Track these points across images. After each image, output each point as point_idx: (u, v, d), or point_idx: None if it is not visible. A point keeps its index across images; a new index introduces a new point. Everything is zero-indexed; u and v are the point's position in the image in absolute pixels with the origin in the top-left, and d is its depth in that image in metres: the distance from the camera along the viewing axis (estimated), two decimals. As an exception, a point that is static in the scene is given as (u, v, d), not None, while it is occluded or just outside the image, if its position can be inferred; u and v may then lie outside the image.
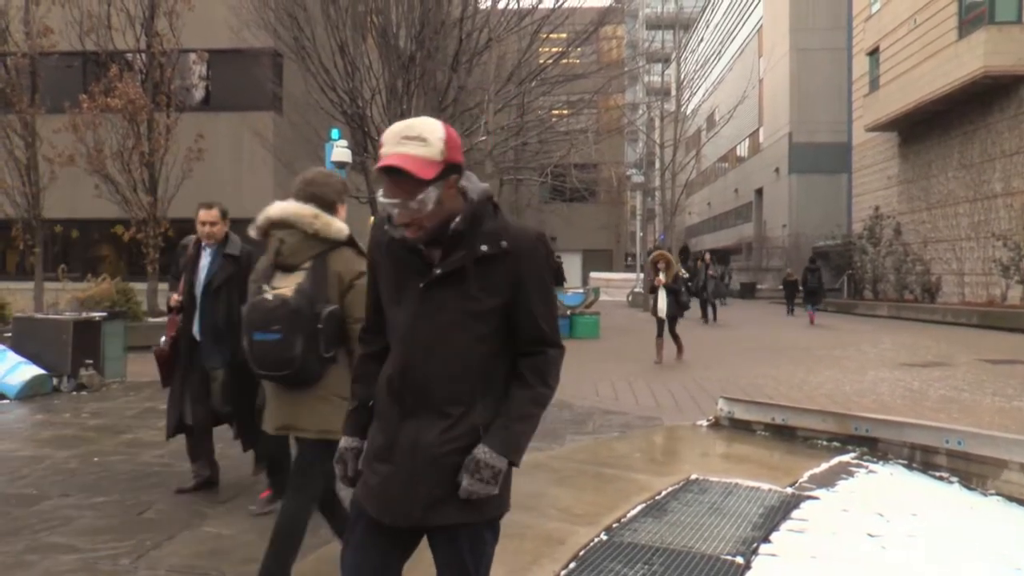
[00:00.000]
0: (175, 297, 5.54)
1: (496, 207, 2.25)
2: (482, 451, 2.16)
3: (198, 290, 5.45)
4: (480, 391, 2.21)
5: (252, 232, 3.83)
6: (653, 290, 13.93)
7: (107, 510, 5.10)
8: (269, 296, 3.59)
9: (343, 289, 3.60)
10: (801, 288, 26.27)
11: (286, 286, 3.58)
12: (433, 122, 2.15)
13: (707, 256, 25.88)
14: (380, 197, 2.16)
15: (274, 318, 3.52)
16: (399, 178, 2.09)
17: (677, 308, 13.72)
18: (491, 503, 2.22)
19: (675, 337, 13.80)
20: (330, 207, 3.72)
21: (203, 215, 5.48)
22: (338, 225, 3.68)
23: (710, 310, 24.41)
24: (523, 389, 2.23)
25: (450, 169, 2.13)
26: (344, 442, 2.36)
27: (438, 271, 2.17)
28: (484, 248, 2.16)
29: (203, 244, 5.55)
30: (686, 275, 23.77)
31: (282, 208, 3.67)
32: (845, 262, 34.53)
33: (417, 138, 2.09)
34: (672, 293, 13.47)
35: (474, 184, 2.23)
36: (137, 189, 17.28)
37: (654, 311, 13.77)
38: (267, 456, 5.13)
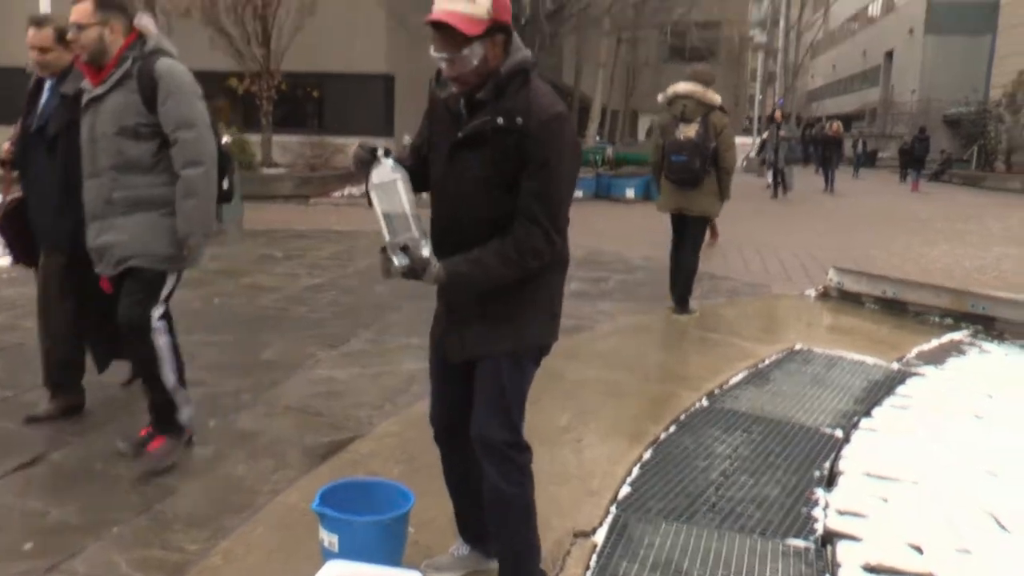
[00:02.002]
0: (6, 146, 4.06)
1: (527, 80, 2.32)
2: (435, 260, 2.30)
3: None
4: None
5: (660, 99, 6.66)
6: None
7: (228, 349, 5.41)
8: (681, 136, 6.37)
9: (717, 133, 6.38)
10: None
11: (688, 131, 6.35)
12: None
13: (778, 114, 20.97)
14: (431, 51, 2.26)
15: (684, 147, 6.34)
16: (446, 33, 2.20)
17: None
18: (526, 335, 2.45)
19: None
20: (708, 85, 6.47)
21: (31, 36, 3.84)
22: (714, 97, 6.42)
23: (786, 179, 20.06)
24: (498, 241, 2.31)
25: (496, 28, 2.24)
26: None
27: (460, 135, 2.34)
28: (500, 121, 2.27)
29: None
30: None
31: (685, 87, 6.46)
32: (977, 131, 32.38)
33: None
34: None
35: (514, 52, 2.31)
36: (251, 42, 17.41)
37: None
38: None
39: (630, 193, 17.37)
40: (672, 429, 4.28)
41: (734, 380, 5.14)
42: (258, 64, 17.50)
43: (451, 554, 2.85)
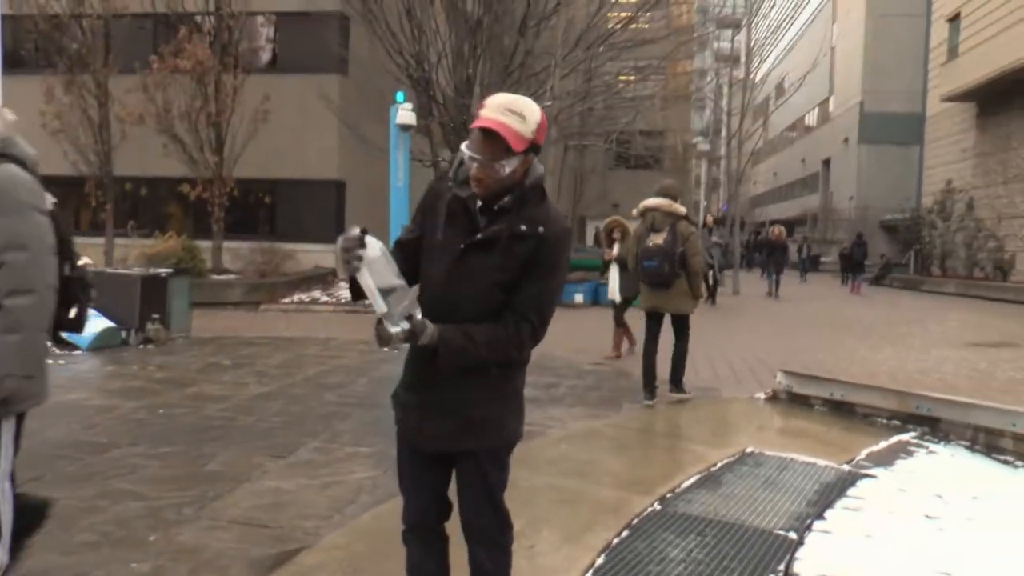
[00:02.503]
0: None
1: (544, 194, 2.52)
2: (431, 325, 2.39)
3: None
4: None
5: (635, 212, 7.48)
6: (606, 266, 10.46)
7: (172, 460, 5.27)
8: (651, 244, 7.17)
9: (683, 240, 7.11)
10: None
11: (658, 239, 7.13)
12: (534, 105, 2.41)
13: (709, 219, 19.86)
14: (465, 148, 2.40)
15: (655, 254, 7.12)
16: (494, 141, 2.34)
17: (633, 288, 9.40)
18: (503, 432, 2.58)
19: (624, 326, 10.39)
20: (675, 199, 7.33)
21: None
22: (679, 208, 7.26)
23: (715, 286, 18.84)
24: (489, 325, 2.45)
25: (532, 148, 2.41)
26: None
27: (479, 236, 2.45)
28: (523, 228, 2.43)
29: None
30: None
31: (654, 201, 7.30)
32: (913, 237, 33.59)
33: (519, 114, 2.36)
34: (627, 269, 9.60)
35: (535, 167, 2.49)
36: (204, 149, 17.61)
37: (610, 292, 10.52)
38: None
39: (579, 298, 17.54)
40: (625, 534, 4.23)
41: (687, 484, 5.13)
42: (211, 170, 17.65)
43: None
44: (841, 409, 7.28)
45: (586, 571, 3.74)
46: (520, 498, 4.77)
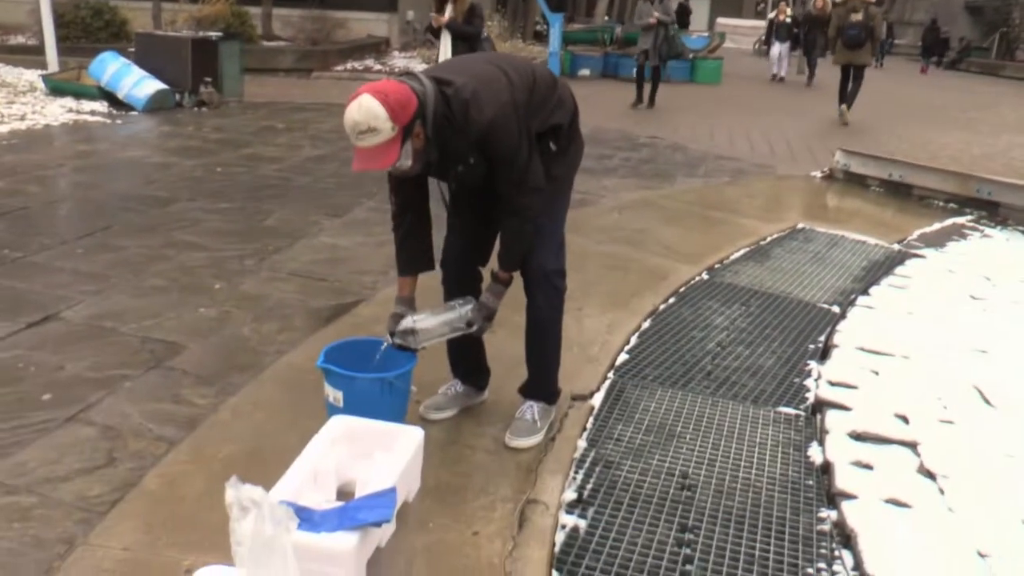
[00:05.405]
0: None
1: (449, 105, 2.41)
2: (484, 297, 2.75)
3: None
4: None
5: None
6: (435, 33, 7.14)
7: (231, 215, 5.43)
8: (853, 19, 11.00)
9: (871, 18, 11.21)
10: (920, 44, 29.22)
11: (858, 16, 11.02)
12: (373, 107, 2.25)
13: None
14: None
15: (856, 25, 10.95)
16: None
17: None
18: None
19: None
20: None
21: None
22: None
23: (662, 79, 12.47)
24: (502, 236, 2.71)
25: (407, 129, 2.33)
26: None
27: (453, 185, 2.78)
28: (472, 160, 2.52)
29: None
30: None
31: None
32: (1000, 19, 31.46)
33: (368, 131, 2.26)
34: (466, 40, 6.93)
35: (426, 107, 2.37)
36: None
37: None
38: None
39: (585, 72, 16.75)
40: (671, 301, 4.34)
41: (735, 256, 5.18)
42: (261, -66, 16.87)
43: (444, 393, 3.06)
44: (898, 190, 7.16)
45: (631, 334, 3.87)
46: (571, 263, 4.82)
